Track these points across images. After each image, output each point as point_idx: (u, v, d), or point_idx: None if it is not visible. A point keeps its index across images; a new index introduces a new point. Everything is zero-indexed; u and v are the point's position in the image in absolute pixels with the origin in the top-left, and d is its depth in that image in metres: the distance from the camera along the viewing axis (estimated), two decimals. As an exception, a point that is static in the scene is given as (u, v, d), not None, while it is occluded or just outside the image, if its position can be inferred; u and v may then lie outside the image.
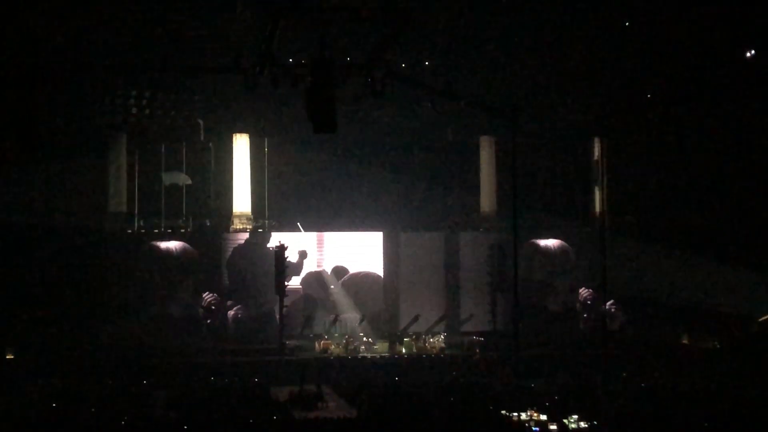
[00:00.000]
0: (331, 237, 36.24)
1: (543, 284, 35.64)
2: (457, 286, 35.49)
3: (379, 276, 35.96)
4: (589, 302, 35.01)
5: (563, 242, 36.07)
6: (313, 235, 35.87)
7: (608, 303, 32.39)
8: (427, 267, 35.53)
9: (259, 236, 34.30)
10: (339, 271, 36.03)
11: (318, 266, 35.90)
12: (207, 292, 33.50)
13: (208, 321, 33.27)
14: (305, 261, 35.28)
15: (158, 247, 33.61)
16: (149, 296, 33.16)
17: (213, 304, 33.22)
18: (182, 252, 33.74)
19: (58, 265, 32.26)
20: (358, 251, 36.26)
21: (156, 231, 34.09)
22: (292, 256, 34.20)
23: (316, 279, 35.55)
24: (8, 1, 24.01)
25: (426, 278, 35.49)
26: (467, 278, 35.44)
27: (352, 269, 36.17)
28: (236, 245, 34.47)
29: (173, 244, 33.81)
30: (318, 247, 36.09)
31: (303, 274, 35.41)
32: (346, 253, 36.28)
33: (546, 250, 36.01)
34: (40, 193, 32.86)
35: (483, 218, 36.59)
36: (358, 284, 35.69)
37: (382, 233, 35.97)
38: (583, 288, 35.19)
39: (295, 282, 34.89)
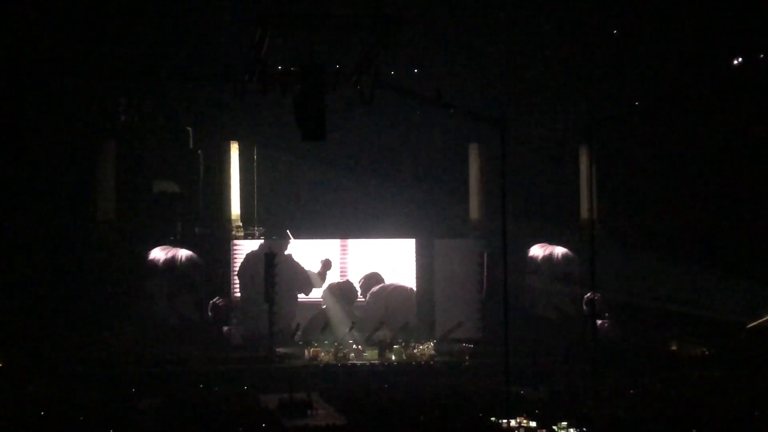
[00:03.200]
0: (355, 244, 35.34)
1: (540, 290, 35.46)
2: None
3: (409, 288, 35.34)
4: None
5: (569, 251, 35.82)
6: (336, 243, 35.24)
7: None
8: (460, 275, 35.05)
9: (274, 244, 33.63)
10: (368, 284, 35.16)
11: (341, 276, 35.24)
12: (218, 297, 33.43)
13: (224, 328, 33.21)
14: (329, 272, 34.75)
15: (163, 255, 33.50)
16: (147, 304, 33.11)
17: (222, 308, 33.08)
18: (187, 262, 33.55)
19: (46, 272, 32.13)
20: (383, 260, 35.35)
21: (145, 239, 34.00)
22: (313, 266, 33.89)
23: (332, 291, 34.75)
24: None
25: (458, 287, 35.02)
26: (459, 286, 35.28)
27: (379, 278, 35.39)
28: (249, 253, 33.98)
29: (182, 253, 33.70)
30: (341, 255, 35.29)
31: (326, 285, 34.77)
32: (371, 262, 35.42)
33: (549, 257, 35.85)
34: (28, 200, 32.70)
35: (472, 226, 36.58)
36: (388, 297, 35.02)
37: (415, 240, 35.39)
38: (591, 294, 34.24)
39: (316, 294, 34.53)
